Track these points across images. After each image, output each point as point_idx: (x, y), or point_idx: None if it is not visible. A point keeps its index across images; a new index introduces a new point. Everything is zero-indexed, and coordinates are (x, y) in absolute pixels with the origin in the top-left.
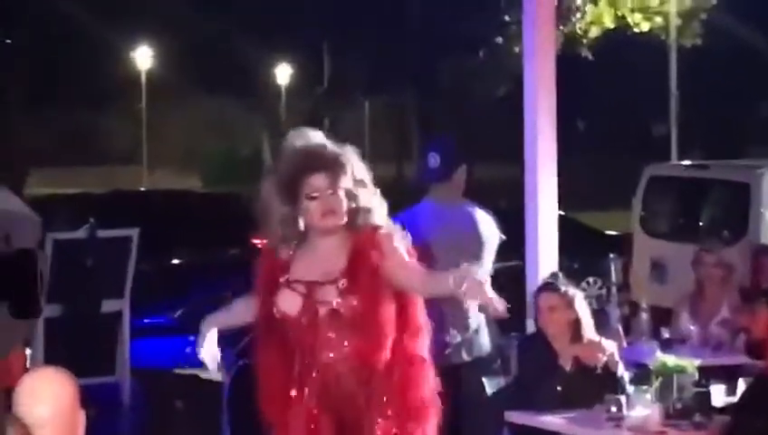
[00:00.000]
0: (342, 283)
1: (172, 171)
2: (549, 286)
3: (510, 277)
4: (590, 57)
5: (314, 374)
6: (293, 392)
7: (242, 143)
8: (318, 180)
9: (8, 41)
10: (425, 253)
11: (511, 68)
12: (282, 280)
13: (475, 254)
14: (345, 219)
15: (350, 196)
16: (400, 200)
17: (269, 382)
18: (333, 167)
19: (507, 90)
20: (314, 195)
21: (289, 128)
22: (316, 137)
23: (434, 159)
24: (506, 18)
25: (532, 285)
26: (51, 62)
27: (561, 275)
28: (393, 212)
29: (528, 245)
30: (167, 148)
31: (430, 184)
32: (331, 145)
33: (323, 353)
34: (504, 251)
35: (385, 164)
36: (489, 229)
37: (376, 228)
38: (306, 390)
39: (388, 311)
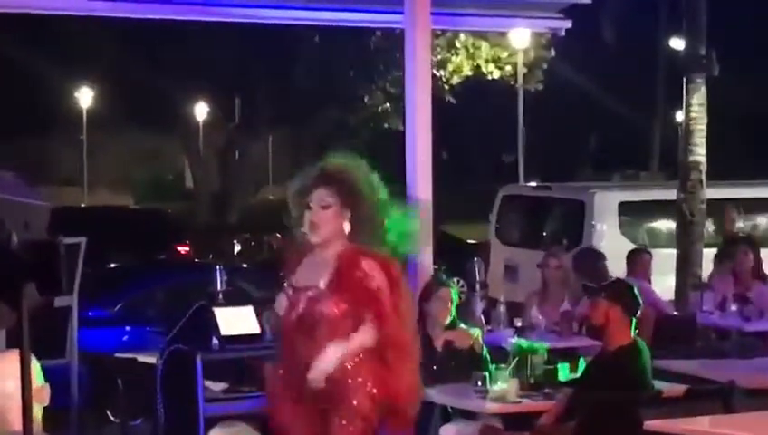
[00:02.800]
0: (313, 292)
1: (108, 191)
2: (439, 282)
3: None
4: (453, 100)
5: (294, 373)
6: (281, 389)
7: (167, 169)
8: (317, 194)
9: None
10: None
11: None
12: (285, 282)
13: None
14: (324, 237)
15: (346, 216)
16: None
17: (271, 381)
18: (338, 186)
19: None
20: (310, 205)
21: (207, 156)
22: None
23: None
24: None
25: (412, 282)
26: (4, 97)
27: (440, 273)
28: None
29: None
30: (104, 172)
31: None
32: (352, 169)
33: (296, 353)
34: None
35: (284, 187)
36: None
37: (360, 252)
38: (291, 387)
39: (346, 324)
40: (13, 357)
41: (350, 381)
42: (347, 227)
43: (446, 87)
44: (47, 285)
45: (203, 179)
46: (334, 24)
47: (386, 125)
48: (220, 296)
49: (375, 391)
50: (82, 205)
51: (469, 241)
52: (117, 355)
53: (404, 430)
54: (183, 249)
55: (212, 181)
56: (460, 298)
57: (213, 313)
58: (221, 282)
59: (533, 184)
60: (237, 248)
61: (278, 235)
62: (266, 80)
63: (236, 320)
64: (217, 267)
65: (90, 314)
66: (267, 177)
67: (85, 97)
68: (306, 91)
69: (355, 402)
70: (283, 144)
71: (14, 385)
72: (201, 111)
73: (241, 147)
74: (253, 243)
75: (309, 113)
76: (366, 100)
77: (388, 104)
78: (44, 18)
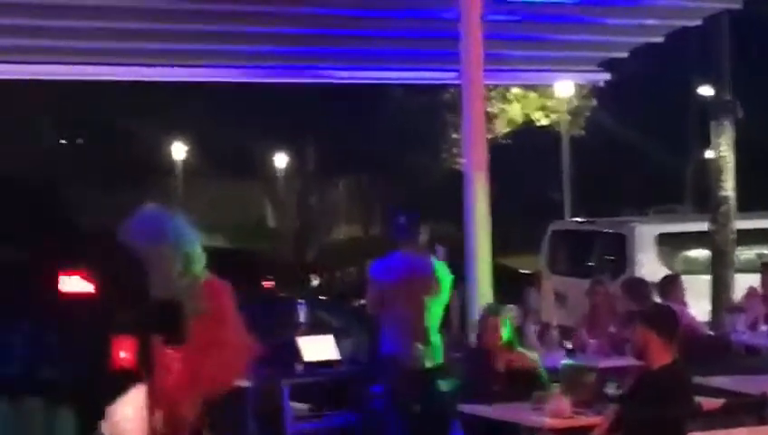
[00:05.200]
0: None
1: (203, 233)
2: (489, 311)
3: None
4: (506, 141)
5: None
6: None
7: (252, 212)
8: None
9: (80, 141)
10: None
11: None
12: None
13: (434, 289)
14: None
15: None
16: (368, 250)
17: None
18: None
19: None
20: None
21: (286, 200)
22: None
23: (402, 223)
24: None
25: (472, 312)
26: (106, 156)
27: (490, 304)
28: (366, 259)
29: (468, 281)
30: (197, 217)
31: (399, 240)
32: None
33: None
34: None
35: (355, 226)
36: (443, 272)
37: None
38: None
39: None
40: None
41: None
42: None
43: (501, 133)
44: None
45: (283, 221)
46: (397, 81)
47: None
48: (302, 326)
49: None
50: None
51: (523, 271)
52: None
53: None
54: (268, 284)
55: (291, 222)
56: (515, 323)
57: (296, 342)
58: (302, 314)
59: (579, 220)
60: (315, 282)
61: (350, 269)
62: (339, 130)
63: (317, 347)
64: (299, 302)
65: None
66: (340, 218)
67: (178, 151)
68: (378, 140)
69: None
70: (352, 188)
71: (131, 410)
72: (281, 160)
73: (317, 191)
74: (328, 277)
75: (382, 160)
76: (443, 147)
77: (455, 150)
78: (143, 83)
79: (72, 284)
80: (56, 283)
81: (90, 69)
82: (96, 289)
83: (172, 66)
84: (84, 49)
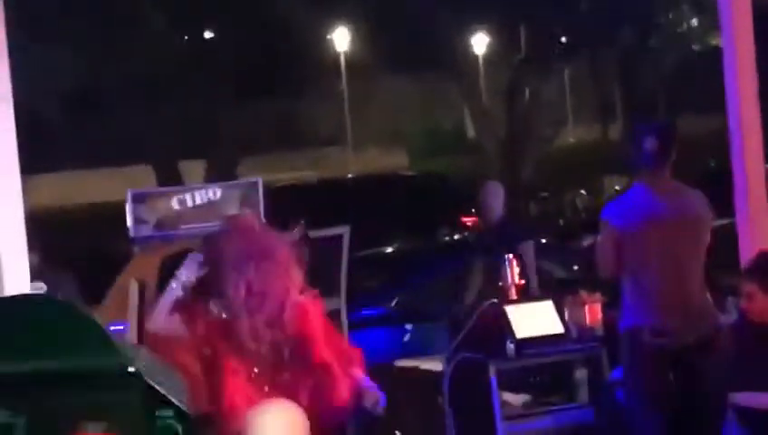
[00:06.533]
0: None
1: (377, 151)
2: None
3: (723, 236)
4: None
5: None
6: None
7: (444, 117)
8: None
9: (211, 35)
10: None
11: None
12: None
13: (696, 237)
14: None
15: None
16: (606, 165)
17: None
18: None
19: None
20: None
21: (489, 99)
22: None
23: (651, 144)
24: None
25: (744, 244)
26: (250, 54)
27: None
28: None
29: (738, 204)
30: (369, 128)
31: (647, 168)
32: None
33: None
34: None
35: (588, 127)
36: (706, 212)
37: None
38: None
39: None
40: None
41: None
42: None
43: None
44: None
45: (487, 127)
46: None
47: (695, 46)
48: (513, 290)
49: None
50: (348, 175)
51: None
52: (397, 363)
53: None
54: (470, 221)
55: (498, 129)
56: None
57: (504, 312)
58: (510, 272)
59: None
60: (533, 212)
61: (583, 192)
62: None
63: (534, 318)
64: (507, 257)
65: (362, 313)
66: (566, 118)
67: (341, 39)
68: (598, 13)
69: None
70: (581, 77)
71: None
72: (479, 43)
73: (531, 84)
74: (552, 204)
75: (605, 38)
76: (670, 16)
77: (695, 19)
78: None
79: None
80: None
81: None
82: None
83: None
84: None
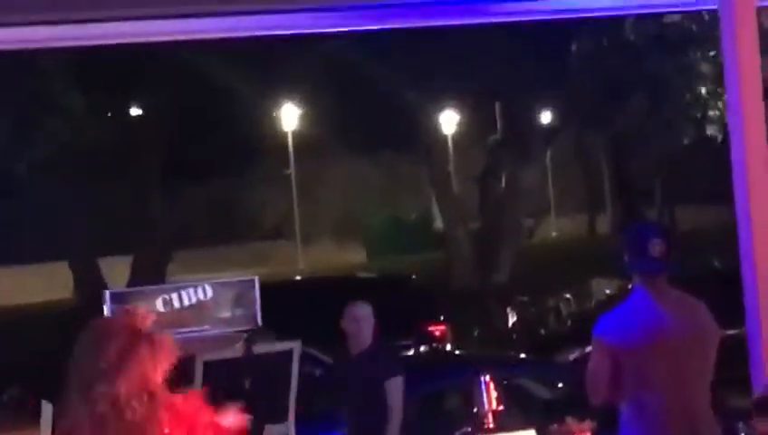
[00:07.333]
0: None
1: (329, 245)
2: None
3: (730, 348)
4: None
5: None
6: None
7: (407, 206)
8: None
9: (140, 112)
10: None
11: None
12: None
13: (704, 353)
14: None
15: None
16: (593, 264)
17: None
18: None
19: (696, 134)
20: None
21: (460, 185)
22: None
23: (659, 248)
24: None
25: (756, 355)
26: (182, 132)
27: None
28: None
29: (749, 310)
30: (321, 217)
31: (647, 274)
32: None
33: None
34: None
35: (573, 219)
36: (713, 326)
37: None
38: None
39: None
40: None
41: None
42: None
43: None
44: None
45: (457, 218)
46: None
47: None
48: (489, 417)
49: None
50: (297, 278)
51: None
52: None
53: None
54: (436, 330)
55: (469, 220)
56: None
57: None
58: (486, 397)
59: None
60: (511, 320)
61: (567, 296)
62: (534, 78)
63: None
64: (482, 379)
65: None
66: (547, 207)
67: (289, 117)
68: (585, 88)
69: None
70: (565, 160)
71: None
72: (449, 122)
73: (507, 169)
74: (533, 309)
75: (593, 117)
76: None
77: (703, 89)
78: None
79: None
80: None
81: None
82: None
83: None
84: None
